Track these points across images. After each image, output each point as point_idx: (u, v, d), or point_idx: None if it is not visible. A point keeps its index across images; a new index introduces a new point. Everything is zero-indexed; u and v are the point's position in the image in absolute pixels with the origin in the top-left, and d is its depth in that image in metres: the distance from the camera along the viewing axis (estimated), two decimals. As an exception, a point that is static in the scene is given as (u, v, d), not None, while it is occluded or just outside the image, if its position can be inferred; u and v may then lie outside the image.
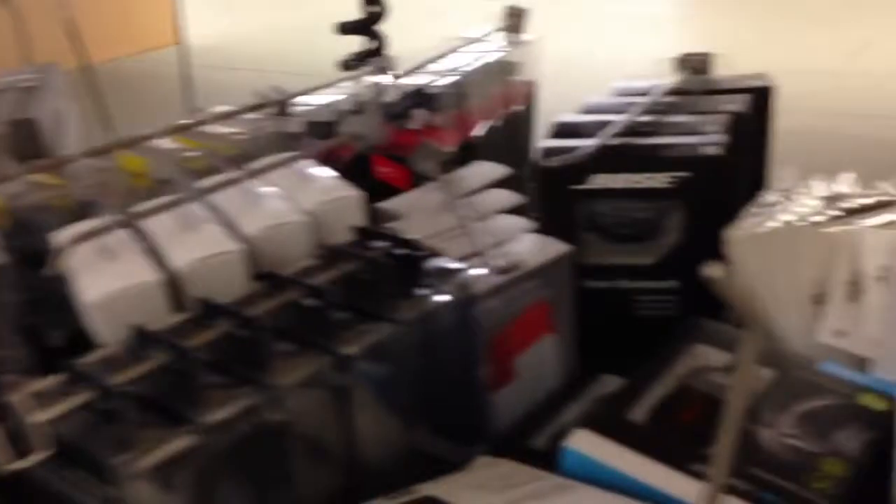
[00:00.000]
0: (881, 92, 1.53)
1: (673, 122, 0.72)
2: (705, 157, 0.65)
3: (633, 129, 0.71)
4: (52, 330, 0.65)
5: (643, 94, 0.80)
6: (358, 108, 0.98)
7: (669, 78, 0.82)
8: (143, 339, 0.51)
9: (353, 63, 1.21)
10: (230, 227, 0.65)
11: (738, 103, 0.76)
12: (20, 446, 0.45)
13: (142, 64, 2.38)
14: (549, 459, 0.55)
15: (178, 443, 0.46)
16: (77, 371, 0.50)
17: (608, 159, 0.67)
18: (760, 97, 0.80)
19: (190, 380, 0.48)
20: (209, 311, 0.54)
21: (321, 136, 0.99)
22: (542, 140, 0.73)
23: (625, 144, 0.69)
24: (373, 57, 1.13)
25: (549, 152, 0.69)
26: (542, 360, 0.68)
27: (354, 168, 0.93)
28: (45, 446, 0.45)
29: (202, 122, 0.83)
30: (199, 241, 0.61)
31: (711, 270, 0.31)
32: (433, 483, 0.55)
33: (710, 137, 0.68)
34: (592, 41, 2.06)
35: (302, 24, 2.59)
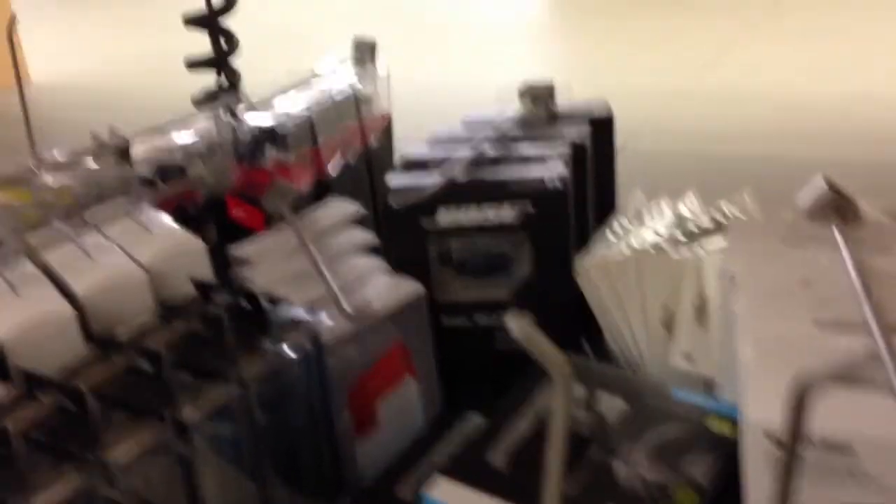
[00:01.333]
0: (729, 110, 1.60)
1: (516, 155, 0.73)
2: (546, 190, 0.66)
3: (477, 162, 0.71)
4: None
5: (490, 123, 0.81)
6: (208, 149, 0.95)
7: (514, 107, 0.83)
8: (-42, 422, 0.47)
9: (205, 100, 1.18)
10: (61, 287, 0.61)
11: (579, 132, 0.77)
12: None
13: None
14: (414, 508, 0.54)
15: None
16: None
17: (455, 193, 0.67)
18: (602, 125, 0.82)
19: (12, 463, 0.45)
20: (33, 383, 0.50)
21: (171, 180, 0.95)
22: (389, 176, 0.72)
23: (470, 179, 0.69)
24: (225, 92, 1.10)
25: (397, 190, 0.68)
26: (404, 404, 0.67)
27: (209, 210, 0.90)
28: None
29: (33, 173, 0.78)
30: (24, 306, 0.57)
31: (513, 323, 0.31)
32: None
33: (551, 169, 0.69)
34: (445, 68, 2.08)
35: (148, 58, 2.51)
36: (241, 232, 0.92)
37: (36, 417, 0.48)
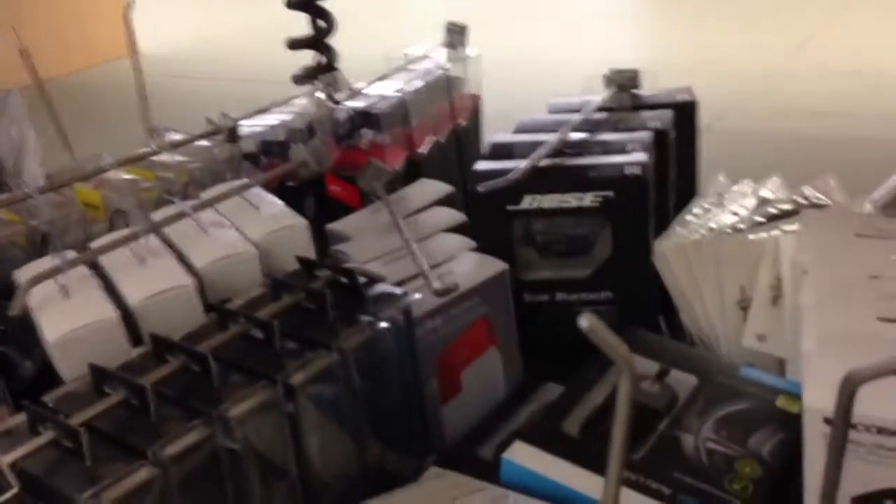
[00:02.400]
0: (818, 88, 1.58)
1: (599, 141, 0.76)
2: (625, 176, 0.69)
3: (561, 150, 0.75)
4: (23, 361, 0.68)
5: (574, 110, 0.84)
6: (308, 128, 1.01)
7: (599, 94, 0.86)
8: (101, 377, 0.54)
9: (304, 78, 1.24)
10: (182, 260, 0.68)
11: (661, 120, 0.80)
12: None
13: (98, 77, 2.38)
14: (494, 469, 0.59)
15: (139, 475, 0.49)
16: (40, 409, 0.52)
17: (538, 180, 0.71)
18: (684, 111, 0.84)
19: (147, 415, 0.52)
20: (163, 346, 0.57)
21: (274, 156, 1.02)
22: (477, 162, 0.76)
23: (553, 166, 0.73)
24: (323, 72, 1.16)
25: (482, 175, 0.72)
26: (486, 373, 0.72)
27: (309, 186, 0.96)
28: (12, 485, 0.48)
29: (154, 153, 0.86)
30: (152, 277, 0.64)
31: (584, 322, 0.35)
32: (384, 497, 0.59)
33: (632, 156, 0.72)
34: (535, 47, 2.09)
35: (250, 28, 2.61)
36: (337, 206, 0.98)
37: (165, 376, 0.55)
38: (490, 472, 0.59)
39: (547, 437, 0.58)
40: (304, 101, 1.08)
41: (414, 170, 0.96)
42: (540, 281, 0.74)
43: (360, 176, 0.84)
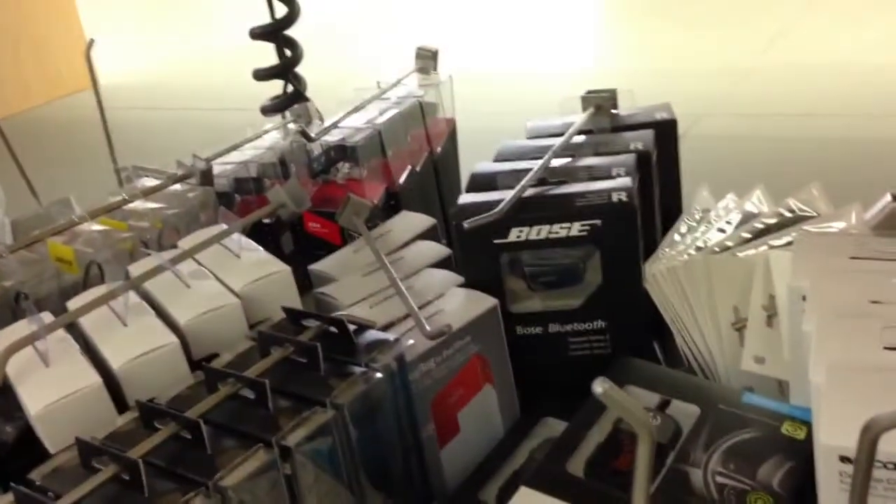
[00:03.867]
0: (792, 87, 1.58)
1: (583, 167, 0.75)
2: (612, 203, 0.68)
3: (545, 179, 0.74)
4: (3, 426, 0.65)
5: (554, 134, 0.83)
6: (280, 160, 0.99)
7: (577, 116, 0.85)
8: (89, 452, 0.52)
9: (273, 109, 1.22)
10: (163, 316, 0.66)
11: (643, 140, 0.79)
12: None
13: (57, 111, 2.34)
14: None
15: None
16: (29, 491, 0.50)
17: (525, 213, 0.70)
18: (665, 129, 0.83)
19: (141, 490, 0.49)
20: (152, 414, 0.54)
21: (247, 193, 1.00)
22: (460, 196, 0.75)
23: (539, 195, 0.72)
24: (292, 102, 1.15)
25: (467, 209, 0.71)
26: (483, 412, 0.70)
27: (285, 223, 0.95)
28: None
29: (126, 202, 0.83)
30: (134, 337, 0.62)
31: (599, 387, 0.34)
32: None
33: (618, 182, 0.71)
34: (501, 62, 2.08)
35: (211, 56, 2.58)
36: (314, 240, 0.96)
37: (156, 447, 0.52)
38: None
39: (552, 480, 0.57)
40: (274, 134, 1.06)
41: (393, 201, 0.95)
42: (531, 313, 0.73)
43: (339, 213, 0.82)
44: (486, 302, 0.69)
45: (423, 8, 2.80)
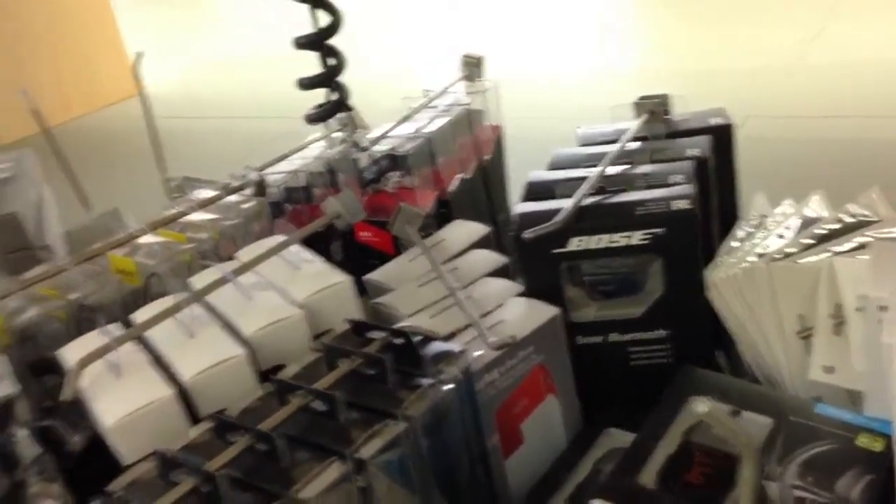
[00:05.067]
0: (837, 87, 1.56)
1: (639, 174, 0.75)
2: (674, 212, 0.68)
3: (602, 187, 0.73)
4: (71, 435, 0.66)
5: (606, 141, 0.83)
6: (329, 169, 1.00)
7: (628, 122, 0.84)
8: (168, 463, 0.52)
9: (318, 118, 1.23)
10: (229, 328, 0.66)
11: (699, 146, 0.79)
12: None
13: (101, 121, 2.37)
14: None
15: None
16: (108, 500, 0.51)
17: (584, 222, 0.69)
18: (721, 135, 0.82)
19: (218, 501, 0.50)
20: (225, 426, 0.55)
21: (298, 202, 1.00)
22: (516, 204, 0.75)
23: (598, 204, 0.71)
24: (336, 109, 1.15)
25: (526, 219, 0.71)
26: (546, 422, 0.70)
27: (334, 230, 0.95)
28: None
29: (183, 214, 0.84)
30: (203, 349, 0.63)
31: (702, 407, 0.33)
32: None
33: (677, 189, 0.70)
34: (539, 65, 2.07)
35: (249, 62, 2.59)
36: (364, 248, 0.96)
37: (231, 459, 0.53)
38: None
39: (624, 492, 0.56)
40: (320, 143, 1.07)
41: (444, 209, 0.95)
42: (592, 323, 0.72)
43: (391, 222, 0.82)
44: (548, 311, 0.69)
45: (424, 10, 2.79)
